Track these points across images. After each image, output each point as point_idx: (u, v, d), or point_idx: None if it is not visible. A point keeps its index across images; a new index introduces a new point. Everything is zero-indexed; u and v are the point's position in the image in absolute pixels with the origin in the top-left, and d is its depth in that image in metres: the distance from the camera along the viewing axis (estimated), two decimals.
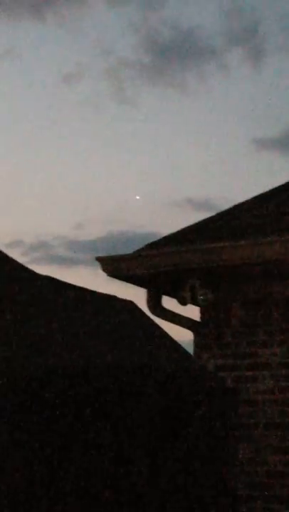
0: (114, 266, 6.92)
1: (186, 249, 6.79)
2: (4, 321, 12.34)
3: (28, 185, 26.24)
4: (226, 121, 26.68)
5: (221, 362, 6.98)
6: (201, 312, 7.17)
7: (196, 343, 7.15)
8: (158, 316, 7.11)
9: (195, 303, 7.06)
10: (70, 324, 13.44)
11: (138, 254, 6.96)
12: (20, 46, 25.16)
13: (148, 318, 18.01)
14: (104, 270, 6.93)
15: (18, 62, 24.85)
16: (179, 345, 17.34)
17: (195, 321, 7.18)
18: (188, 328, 7.10)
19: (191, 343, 7.18)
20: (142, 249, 7.06)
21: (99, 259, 6.93)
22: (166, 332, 17.14)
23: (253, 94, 26.86)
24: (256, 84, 27.71)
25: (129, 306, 18.10)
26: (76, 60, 27.64)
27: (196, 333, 7.16)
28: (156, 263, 6.86)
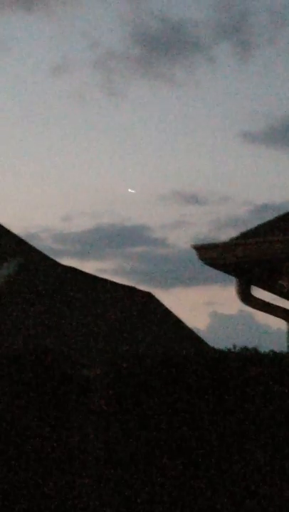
0: (209, 254, 6.90)
1: (281, 239, 6.79)
2: (34, 310, 12.27)
3: (16, 177, 26.03)
4: (213, 114, 26.73)
5: None
6: None
7: None
8: (248, 305, 7.09)
9: None
10: (97, 317, 13.34)
11: (231, 243, 6.95)
12: (8, 38, 24.99)
13: (166, 308, 17.85)
14: (200, 259, 6.91)
15: (7, 55, 24.76)
16: (196, 335, 17.14)
17: None
18: (282, 317, 7.10)
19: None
20: (235, 238, 7.05)
21: (195, 247, 6.91)
22: (182, 321, 17.06)
23: (240, 87, 26.99)
24: (244, 77, 27.85)
25: (148, 296, 18.03)
26: (64, 52, 27.34)
27: None
28: (249, 252, 6.85)
